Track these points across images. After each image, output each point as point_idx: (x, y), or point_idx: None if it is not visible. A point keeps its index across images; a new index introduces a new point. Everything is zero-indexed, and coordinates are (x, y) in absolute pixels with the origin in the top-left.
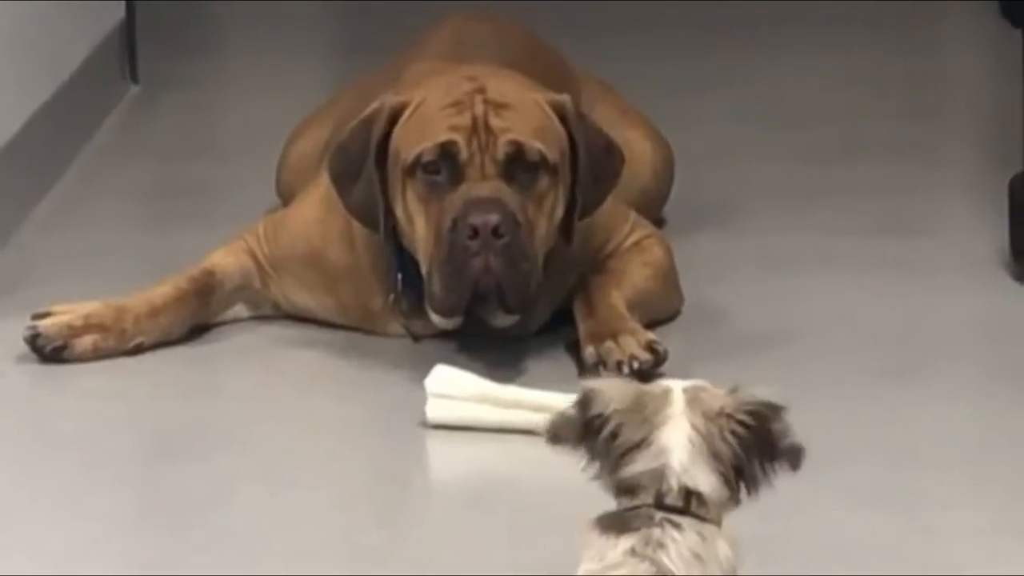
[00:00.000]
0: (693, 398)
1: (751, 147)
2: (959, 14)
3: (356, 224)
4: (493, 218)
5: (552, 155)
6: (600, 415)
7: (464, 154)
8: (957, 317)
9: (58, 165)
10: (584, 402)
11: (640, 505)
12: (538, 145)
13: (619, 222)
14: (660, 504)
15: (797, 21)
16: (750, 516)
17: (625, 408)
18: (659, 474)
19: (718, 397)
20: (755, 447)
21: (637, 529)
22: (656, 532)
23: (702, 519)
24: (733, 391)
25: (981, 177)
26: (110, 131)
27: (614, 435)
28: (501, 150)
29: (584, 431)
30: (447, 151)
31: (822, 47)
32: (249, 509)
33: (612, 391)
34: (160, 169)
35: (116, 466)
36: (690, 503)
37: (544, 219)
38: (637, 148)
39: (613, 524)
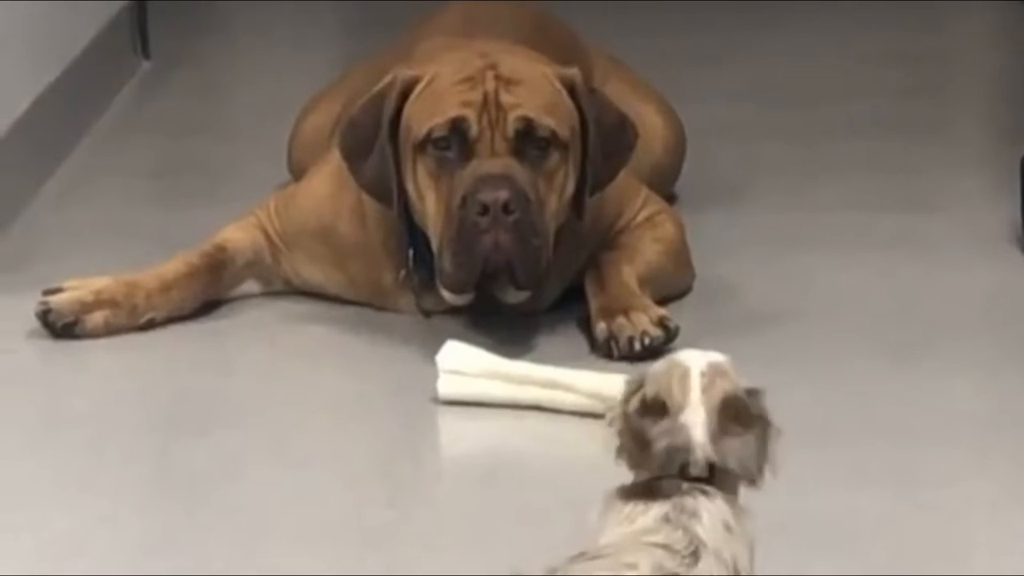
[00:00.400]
0: (710, 382)
1: (760, 124)
2: None
3: (367, 199)
4: (503, 194)
5: (562, 131)
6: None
7: (475, 130)
8: (966, 293)
9: (68, 141)
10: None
11: (664, 476)
12: (548, 121)
13: (631, 197)
14: (685, 476)
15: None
16: (752, 492)
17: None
18: (684, 447)
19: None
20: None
21: (668, 496)
22: (689, 501)
23: (728, 493)
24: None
25: (991, 154)
26: (121, 108)
27: (643, 410)
28: (511, 126)
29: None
30: (458, 127)
31: (830, 25)
32: (258, 486)
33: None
34: (170, 146)
35: (126, 442)
36: (713, 476)
37: (555, 195)
38: (649, 123)
39: (641, 492)
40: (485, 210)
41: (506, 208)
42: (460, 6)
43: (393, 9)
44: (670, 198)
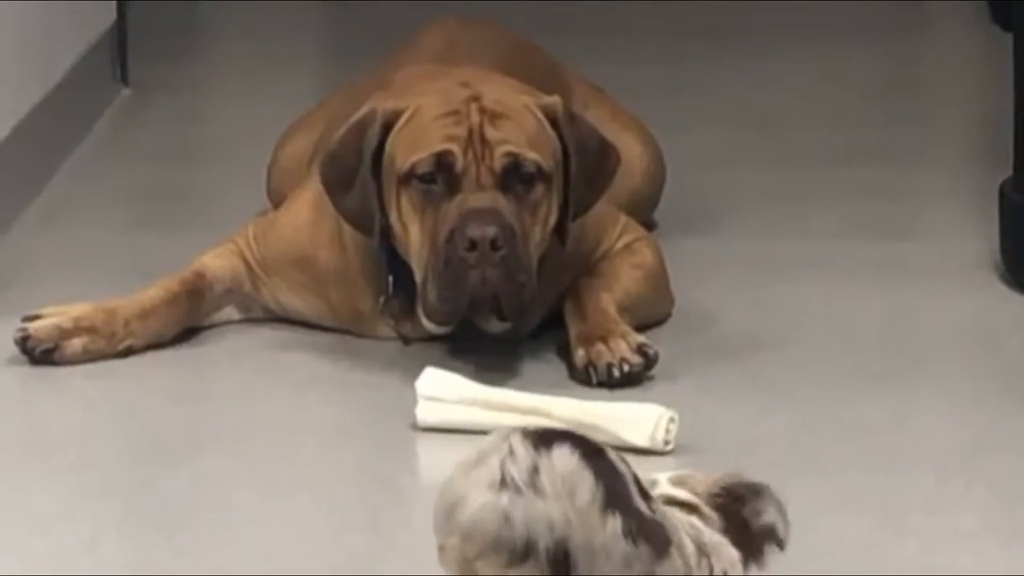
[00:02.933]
0: (678, 480)
1: (740, 151)
2: (950, 19)
3: (346, 227)
4: (491, 230)
5: (547, 163)
6: None
7: (460, 164)
8: (946, 321)
9: (49, 167)
10: None
11: None
12: (534, 156)
13: (610, 225)
14: None
15: (787, 26)
16: None
17: None
18: None
19: (701, 481)
20: (728, 525)
21: None
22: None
23: None
24: (721, 476)
25: (971, 181)
26: (101, 134)
27: None
28: (498, 162)
29: None
30: (443, 161)
31: (812, 52)
32: (238, 512)
33: None
34: (150, 172)
35: (105, 469)
36: None
37: (539, 226)
38: (628, 151)
39: None
40: (473, 246)
41: (494, 244)
42: (441, 33)
43: (373, 37)
44: (649, 225)
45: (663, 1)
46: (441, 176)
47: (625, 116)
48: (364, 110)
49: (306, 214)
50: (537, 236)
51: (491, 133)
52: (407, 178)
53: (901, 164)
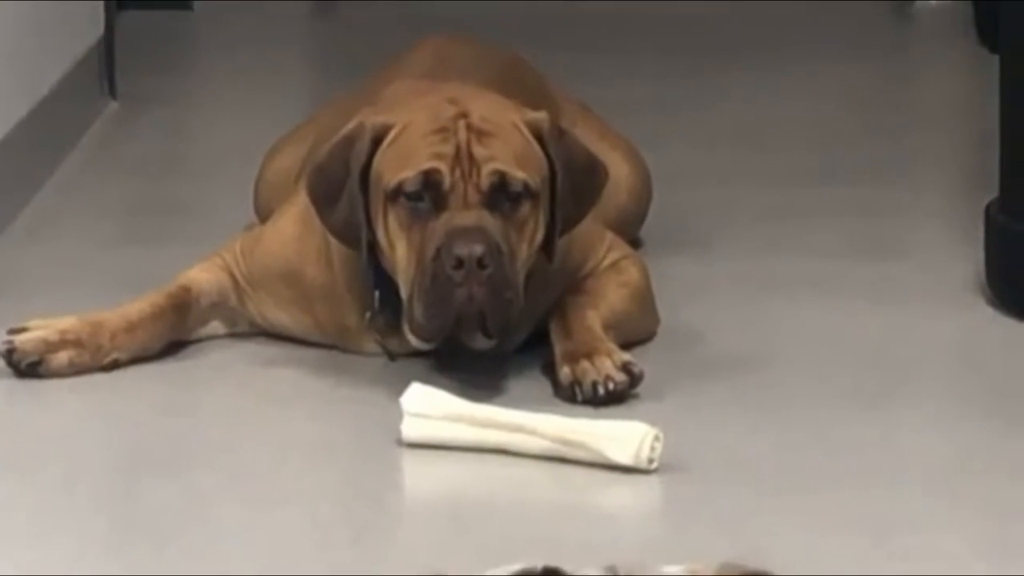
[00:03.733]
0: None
1: (727, 169)
2: (938, 39)
3: (333, 242)
4: (478, 248)
5: (534, 182)
6: None
7: (447, 183)
8: (931, 341)
9: (36, 180)
10: None
11: None
12: (521, 174)
13: (596, 243)
14: None
15: (775, 45)
16: (722, 540)
17: None
18: None
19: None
20: None
21: None
22: None
23: None
24: (721, 567)
25: (957, 202)
26: (88, 147)
27: None
28: (486, 180)
29: None
30: (430, 180)
31: (799, 71)
32: (223, 527)
33: None
34: (138, 186)
35: (92, 482)
36: None
37: (525, 244)
38: (616, 169)
39: None
40: (460, 264)
41: (480, 262)
42: (430, 49)
43: (362, 52)
44: (635, 243)
45: (648, 18)
46: (428, 194)
47: (612, 135)
48: (352, 124)
49: (293, 228)
50: (524, 254)
51: (478, 151)
52: (394, 195)
53: (888, 184)
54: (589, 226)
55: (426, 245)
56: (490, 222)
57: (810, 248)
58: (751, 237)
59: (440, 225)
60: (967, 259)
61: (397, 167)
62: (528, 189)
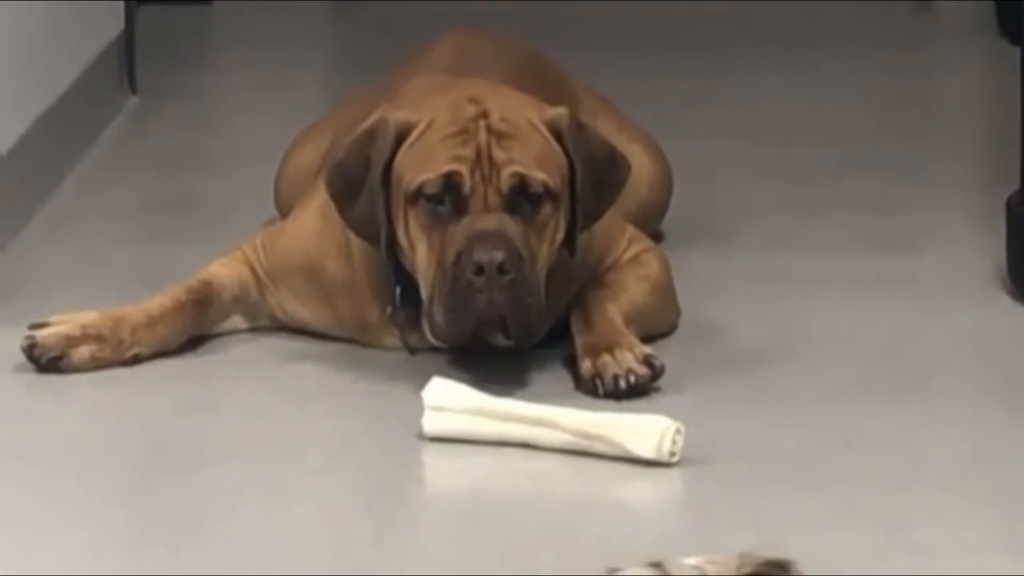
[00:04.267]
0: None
1: (747, 164)
2: (957, 31)
3: (353, 237)
4: (498, 255)
5: (554, 182)
6: None
7: (468, 186)
8: (952, 335)
9: (56, 176)
10: None
11: None
12: (541, 176)
13: (617, 236)
14: None
15: (794, 39)
16: (743, 533)
17: None
18: None
19: (724, 565)
20: None
21: None
22: None
23: None
24: (740, 557)
25: (977, 196)
26: (108, 142)
27: None
28: (506, 183)
29: None
30: (451, 182)
31: (818, 65)
32: (243, 523)
33: None
34: (158, 181)
35: (110, 478)
36: None
37: (546, 246)
38: (636, 162)
39: None
40: (480, 270)
41: (501, 268)
42: (452, 43)
43: (383, 47)
44: (656, 236)
45: (669, 14)
46: (449, 197)
47: (633, 128)
48: (373, 119)
49: (313, 223)
50: (544, 255)
51: (498, 154)
52: (415, 197)
53: (908, 178)
54: (610, 220)
55: (446, 249)
56: (510, 226)
57: (831, 243)
58: (771, 231)
59: (460, 229)
60: (988, 253)
61: (418, 168)
62: (548, 190)
